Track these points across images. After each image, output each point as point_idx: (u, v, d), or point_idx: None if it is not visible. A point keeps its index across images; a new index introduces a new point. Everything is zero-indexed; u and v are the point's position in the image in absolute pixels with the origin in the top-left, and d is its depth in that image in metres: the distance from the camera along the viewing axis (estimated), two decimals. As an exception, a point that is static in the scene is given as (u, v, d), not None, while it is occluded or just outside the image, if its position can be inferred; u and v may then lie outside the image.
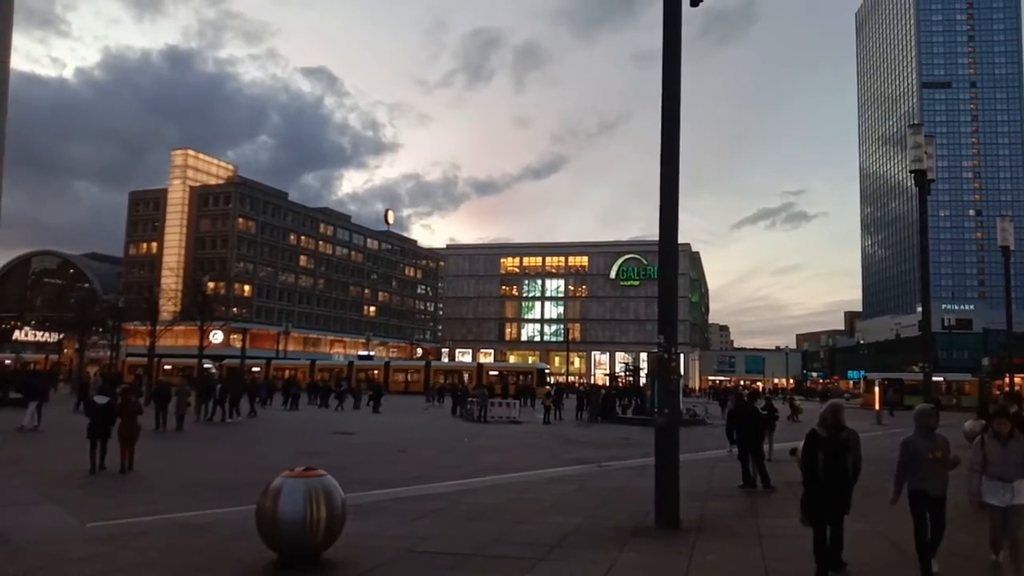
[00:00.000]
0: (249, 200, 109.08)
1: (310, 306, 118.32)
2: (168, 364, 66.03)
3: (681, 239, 10.73)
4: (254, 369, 68.89)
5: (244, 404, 30.41)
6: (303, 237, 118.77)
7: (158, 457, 16.38)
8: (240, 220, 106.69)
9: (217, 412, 27.84)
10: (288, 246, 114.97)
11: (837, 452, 6.73)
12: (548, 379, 65.47)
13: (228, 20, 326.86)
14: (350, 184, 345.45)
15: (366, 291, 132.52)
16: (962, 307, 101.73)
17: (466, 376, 62.98)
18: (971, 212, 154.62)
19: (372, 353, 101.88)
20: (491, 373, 65.53)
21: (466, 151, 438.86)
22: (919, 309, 23.18)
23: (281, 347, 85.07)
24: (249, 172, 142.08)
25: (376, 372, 69.33)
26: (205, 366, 51.36)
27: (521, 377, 62.15)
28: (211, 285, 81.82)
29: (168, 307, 74.53)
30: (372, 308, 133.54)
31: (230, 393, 28.42)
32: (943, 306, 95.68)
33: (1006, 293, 34.27)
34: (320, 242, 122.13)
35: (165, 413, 22.72)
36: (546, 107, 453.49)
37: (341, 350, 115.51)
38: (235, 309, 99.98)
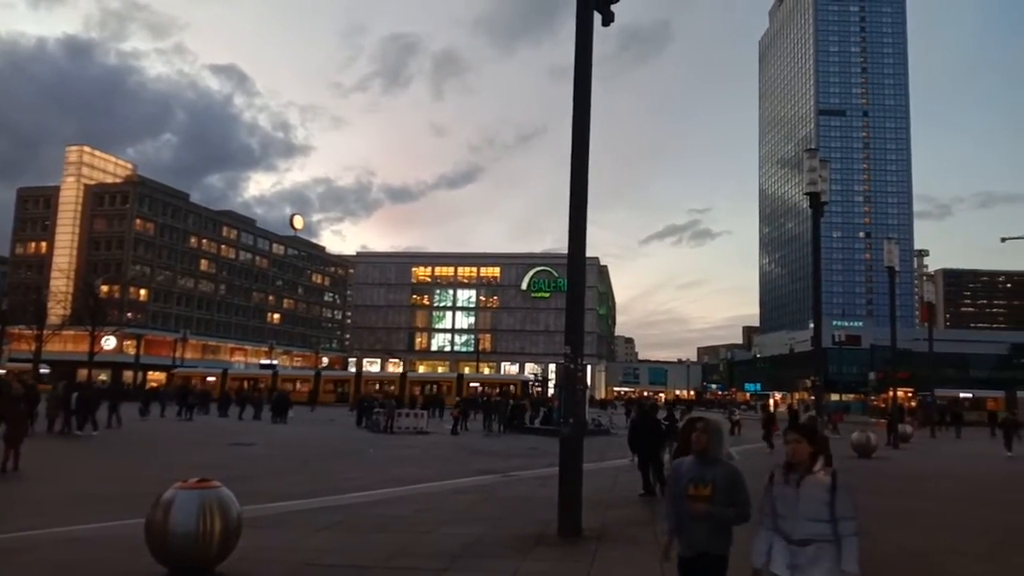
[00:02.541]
0: (148, 200, 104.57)
1: (210, 312, 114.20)
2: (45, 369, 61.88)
3: (591, 253, 10.93)
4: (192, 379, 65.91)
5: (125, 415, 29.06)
6: (205, 240, 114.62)
7: (46, 467, 15.53)
8: (138, 221, 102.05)
9: (73, 423, 24.78)
10: (188, 249, 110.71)
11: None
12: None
13: (133, 11, 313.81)
14: (257, 187, 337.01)
15: (270, 298, 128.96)
16: (851, 324, 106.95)
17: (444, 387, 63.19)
18: (861, 234, 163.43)
19: (276, 362, 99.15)
20: (471, 385, 64.69)
21: (381, 157, 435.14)
22: (811, 325, 24.40)
23: (178, 354, 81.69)
24: (150, 171, 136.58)
25: (303, 383, 67.56)
26: (100, 376, 48.77)
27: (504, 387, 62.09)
28: (104, 288, 78.11)
29: (57, 310, 70.69)
30: (276, 315, 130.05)
31: (88, 403, 25.20)
32: (834, 323, 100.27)
33: (891, 311, 36.36)
34: (223, 246, 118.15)
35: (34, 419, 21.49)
36: (464, 116, 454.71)
37: (242, 358, 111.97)
38: (129, 314, 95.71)
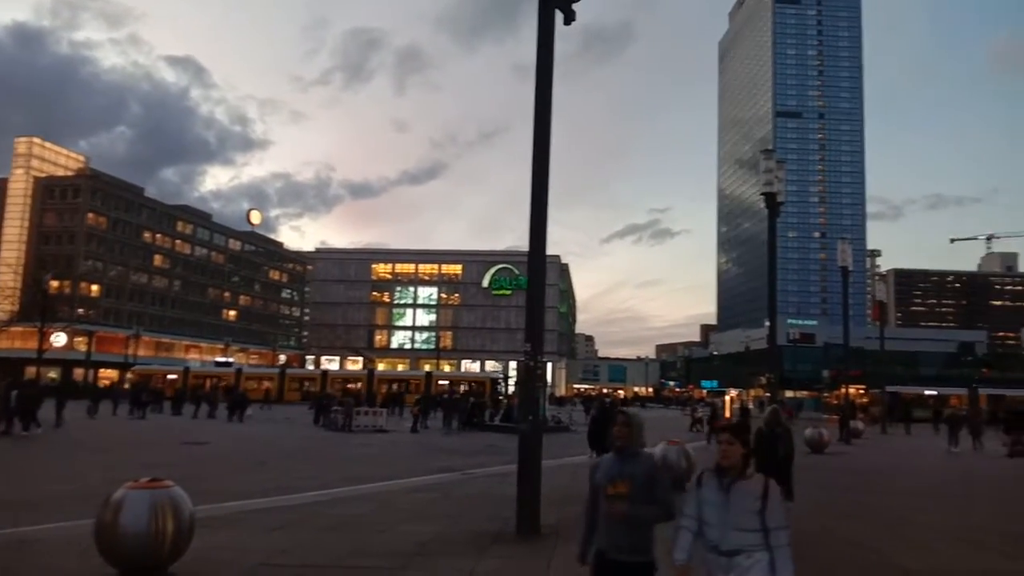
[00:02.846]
0: (100, 194, 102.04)
1: (164, 309, 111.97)
2: None
3: (553, 251, 10.98)
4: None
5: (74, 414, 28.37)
6: (159, 235, 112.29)
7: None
8: (90, 215, 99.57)
9: (16, 423, 23.93)
10: (142, 244, 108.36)
11: (772, 442, 9.95)
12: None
13: (87, 0, 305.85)
14: (214, 181, 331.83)
15: (226, 294, 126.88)
16: (806, 322, 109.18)
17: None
18: (816, 234, 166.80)
19: (232, 359, 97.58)
20: (439, 382, 64.00)
21: (341, 152, 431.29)
22: (767, 323, 24.89)
23: (131, 352, 79.92)
24: (103, 164, 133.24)
25: (268, 382, 66.54)
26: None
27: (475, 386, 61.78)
28: (54, 284, 76.12)
29: (4, 306, 68.71)
30: (232, 312, 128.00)
31: (28, 401, 24.35)
32: (788, 321, 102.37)
33: (844, 310, 37.23)
34: (178, 241, 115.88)
35: None
36: (426, 112, 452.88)
37: (197, 356, 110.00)
38: (81, 310, 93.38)
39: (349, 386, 61.18)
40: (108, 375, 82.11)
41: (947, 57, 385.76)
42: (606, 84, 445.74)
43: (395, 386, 63.02)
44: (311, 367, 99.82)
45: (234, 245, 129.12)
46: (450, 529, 9.69)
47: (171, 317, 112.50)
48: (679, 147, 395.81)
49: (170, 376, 66.19)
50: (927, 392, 63.34)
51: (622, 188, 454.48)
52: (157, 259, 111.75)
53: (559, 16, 10.52)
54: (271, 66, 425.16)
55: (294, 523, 9.84)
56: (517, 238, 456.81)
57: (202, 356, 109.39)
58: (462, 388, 59.48)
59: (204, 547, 7.56)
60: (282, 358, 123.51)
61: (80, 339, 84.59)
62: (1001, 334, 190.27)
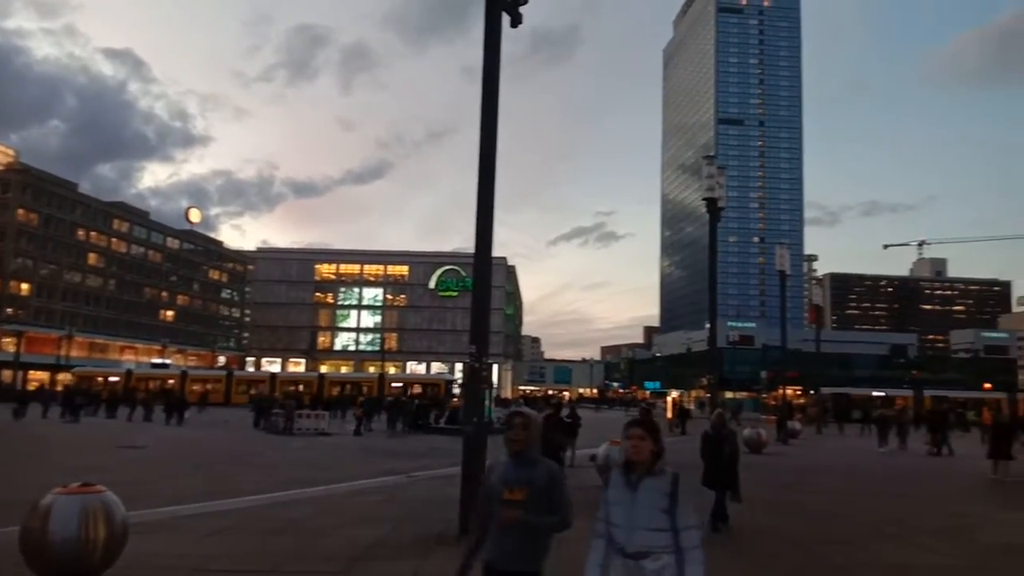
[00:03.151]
0: (32, 189, 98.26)
1: (98, 308, 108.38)
2: None
3: (499, 253, 11.01)
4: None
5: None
6: (93, 233, 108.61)
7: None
8: (20, 211, 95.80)
9: None
10: (76, 242, 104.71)
11: (719, 444, 10.43)
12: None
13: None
14: (153, 178, 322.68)
15: (163, 294, 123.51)
16: (745, 325, 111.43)
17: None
18: (755, 239, 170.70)
19: (168, 361, 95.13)
20: (393, 385, 63.02)
21: (285, 150, 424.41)
22: (708, 326, 25.38)
23: (63, 353, 77.22)
24: (36, 159, 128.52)
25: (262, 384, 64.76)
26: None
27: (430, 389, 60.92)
28: (-20, 282, 73.13)
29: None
30: (170, 312, 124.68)
31: None
32: (728, 323, 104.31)
33: (781, 313, 38.12)
34: (113, 239, 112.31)
35: None
36: (372, 111, 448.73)
37: (133, 357, 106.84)
38: (10, 310, 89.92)
39: (299, 388, 60.14)
40: (38, 377, 79.14)
41: (884, 68, 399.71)
42: (554, 87, 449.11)
43: (347, 388, 62.17)
44: (251, 369, 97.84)
45: (172, 244, 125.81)
46: (393, 532, 9.63)
47: (106, 317, 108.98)
48: (625, 151, 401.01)
49: (112, 378, 64.05)
50: (875, 394, 65.48)
51: (569, 191, 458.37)
52: (91, 257, 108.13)
53: (506, 18, 10.57)
54: (213, 61, 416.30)
55: (231, 528, 9.64)
56: (464, 240, 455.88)
57: (138, 357, 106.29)
58: (415, 390, 59.11)
59: (137, 553, 7.35)
60: (221, 360, 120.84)
61: (8, 340, 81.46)
62: (931, 337, 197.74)
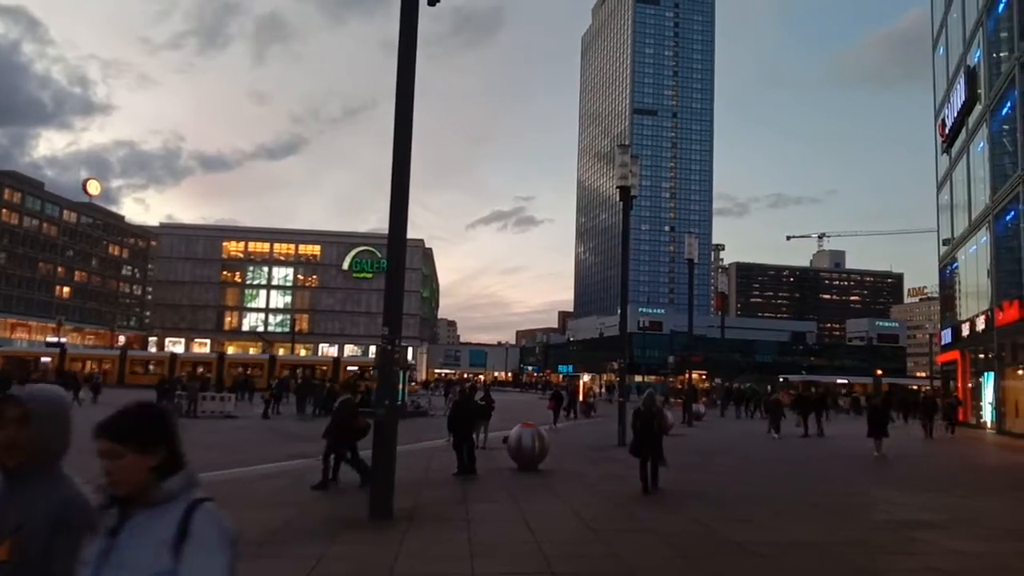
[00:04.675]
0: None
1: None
2: None
3: (417, 234, 10.95)
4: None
5: None
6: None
7: None
8: None
9: None
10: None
11: (649, 420, 12.20)
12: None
13: None
14: (49, 146, 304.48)
15: (59, 269, 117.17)
16: (655, 311, 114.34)
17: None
18: (667, 228, 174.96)
19: (64, 339, 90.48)
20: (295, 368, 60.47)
21: (193, 122, 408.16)
22: (619, 311, 26.06)
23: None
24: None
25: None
26: None
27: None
28: None
29: None
30: (66, 289, 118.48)
31: None
32: (639, 309, 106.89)
33: (689, 300, 39.22)
34: (3, 210, 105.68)
35: None
36: (287, 85, 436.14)
37: (25, 335, 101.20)
38: None
39: (200, 370, 57.92)
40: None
41: (792, 64, 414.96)
42: (475, 68, 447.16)
43: (248, 370, 60.24)
44: (154, 349, 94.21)
45: (69, 217, 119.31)
46: (301, 516, 9.48)
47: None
48: (544, 136, 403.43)
49: (44, 359, 59.98)
50: (839, 381, 68.61)
51: (489, 174, 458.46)
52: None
53: (425, -3, 10.45)
54: (117, 25, 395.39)
55: (130, 514, 9.27)
56: (380, 220, 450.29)
57: (31, 335, 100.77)
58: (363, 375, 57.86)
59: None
60: (122, 339, 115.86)
61: None
62: (829, 325, 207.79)
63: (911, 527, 10.16)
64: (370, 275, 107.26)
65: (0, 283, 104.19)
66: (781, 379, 67.62)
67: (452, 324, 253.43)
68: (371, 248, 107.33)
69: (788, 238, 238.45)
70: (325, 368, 60.86)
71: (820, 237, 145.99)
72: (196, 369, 56.65)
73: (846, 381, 69.52)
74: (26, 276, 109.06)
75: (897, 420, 36.82)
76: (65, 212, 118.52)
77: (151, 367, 60.87)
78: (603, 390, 69.30)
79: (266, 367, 60.78)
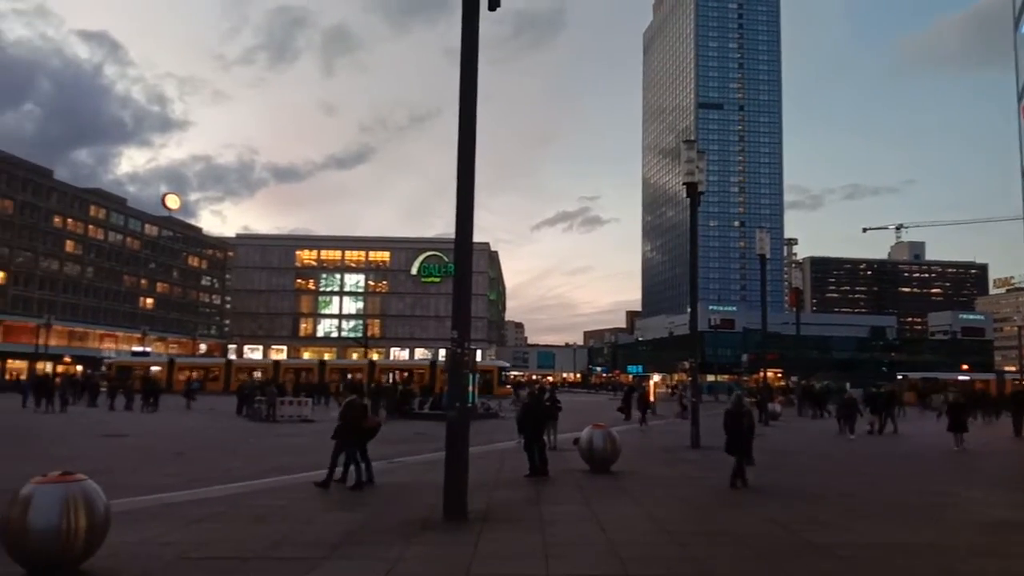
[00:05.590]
0: (6, 176, 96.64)
1: (77, 296, 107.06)
2: None
3: (482, 238, 11.04)
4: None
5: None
6: (70, 220, 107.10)
7: None
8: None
9: None
10: (52, 229, 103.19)
11: (739, 419, 12.75)
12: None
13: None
14: (130, 163, 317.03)
15: (143, 281, 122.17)
16: (726, 308, 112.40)
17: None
18: (736, 223, 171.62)
19: (148, 349, 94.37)
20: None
21: (265, 135, 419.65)
22: (689, 310, 25.69)
23: (42, 341, 76.31)
24: (10, 144, 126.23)
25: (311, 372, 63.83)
26: None
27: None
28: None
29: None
30: (149, 300, 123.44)
31: None
32: (710, 307, 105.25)
33: (762, 296, 38.32)
34: (90, 226, 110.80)
35: None
36: (355, 95, 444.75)
37: (113, 345, 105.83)
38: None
39: (303, 376, 59.90)
40: (16, 366, 78.39)
41: (862, 50, 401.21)
42: (538, 70, 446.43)
43: (348, 376, 61.27)
44: (233, 356, 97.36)
45: (150, 230, 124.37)
46: (376, 518, 9.66)
47: (84, 305, 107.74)
48: (608, 135, 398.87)
49: (153, 368, 63.02)
50: (960, 378, 65.28)
51: (552, 175, 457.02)
52: (68, 245, 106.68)
53: (484, 1, 10.52)
54: (191, 44, 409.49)
55: (215, 515, 9.63)
56: (447, 225, 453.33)
57: (118, 345, 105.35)
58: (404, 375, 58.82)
59: (120, 542, 7.34)
60: (203, 347, 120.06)
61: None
62: (909, 319, 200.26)
63: (997, 528, 9.71)
64: (438, 279, 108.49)
65: (88, 296, 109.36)
66: (900, 376, 65.02)
67: (520, 326, 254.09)
68: (438, 253, 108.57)
69: (864, 230, 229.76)
70: (423, 372, 62.02)
71: (898, 228, 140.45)
72: (299, 376, 58.62)
73: (967, 378, 65.32)
74: (112, 289, 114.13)
75: (986, 419, 35.34)
76: (147, 226, 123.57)
77: (257, 374, 62.67)
78: (668, 390, 68.32)
79: (366, 371, 62.02)
